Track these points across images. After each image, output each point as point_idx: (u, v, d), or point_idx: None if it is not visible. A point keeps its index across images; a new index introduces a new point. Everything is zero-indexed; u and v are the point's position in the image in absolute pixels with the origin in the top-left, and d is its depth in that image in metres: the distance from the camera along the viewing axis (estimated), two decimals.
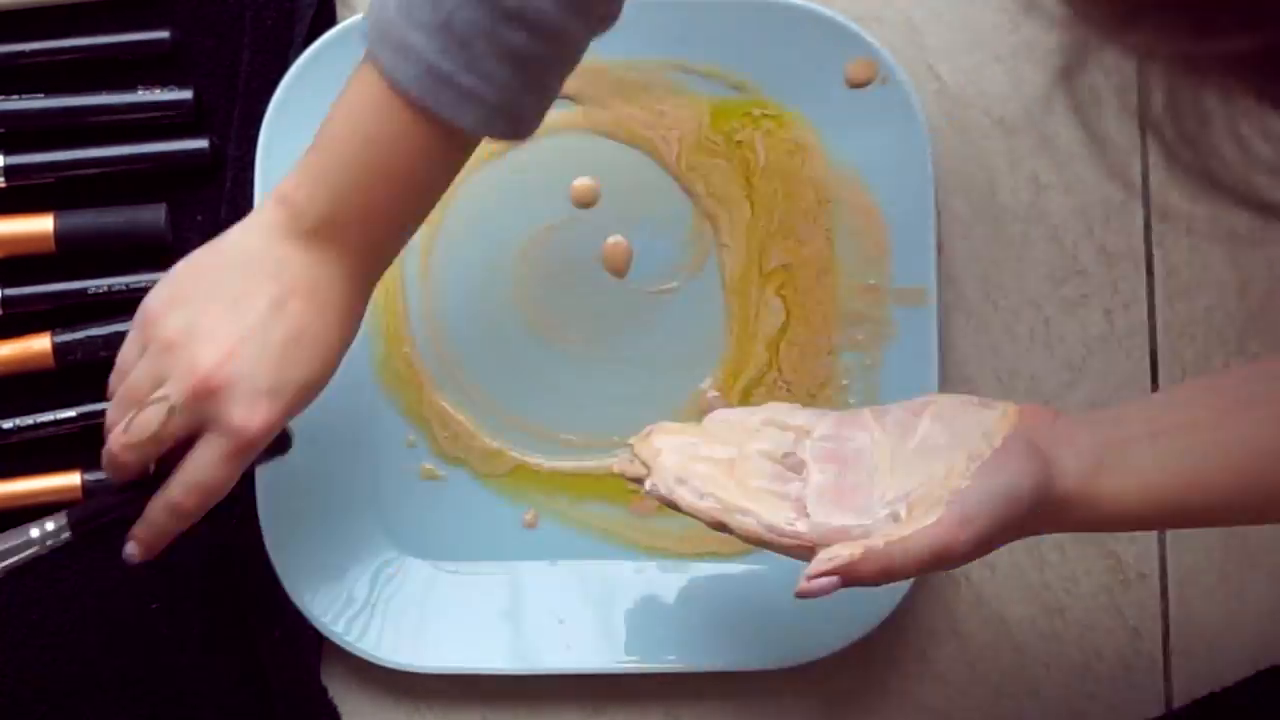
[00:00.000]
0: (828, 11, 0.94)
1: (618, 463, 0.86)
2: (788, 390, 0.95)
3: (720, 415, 0.85)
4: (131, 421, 0.82)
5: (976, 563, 0.94)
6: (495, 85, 0.76)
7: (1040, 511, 0.78)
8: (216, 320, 0.81)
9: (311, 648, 0.94)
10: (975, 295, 0.96)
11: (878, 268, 0.94)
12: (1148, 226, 0.97)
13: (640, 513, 0.94)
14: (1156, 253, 0.96)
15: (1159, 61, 0.53)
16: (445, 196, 0.94)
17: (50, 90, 0.95)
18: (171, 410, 0.81)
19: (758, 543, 0.81)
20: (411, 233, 0.83)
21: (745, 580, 0.94)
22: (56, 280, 0.94)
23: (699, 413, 0.88)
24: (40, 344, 0.94)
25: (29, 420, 0.94)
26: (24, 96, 0.94)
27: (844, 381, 0.95)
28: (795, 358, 0.95)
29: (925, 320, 0.94)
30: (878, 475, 0.80)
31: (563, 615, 0.94)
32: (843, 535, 0.79)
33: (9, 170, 0.94)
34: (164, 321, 0.82)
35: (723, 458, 0.82)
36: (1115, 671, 0.96)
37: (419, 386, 0.95)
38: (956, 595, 0.95)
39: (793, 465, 0.82)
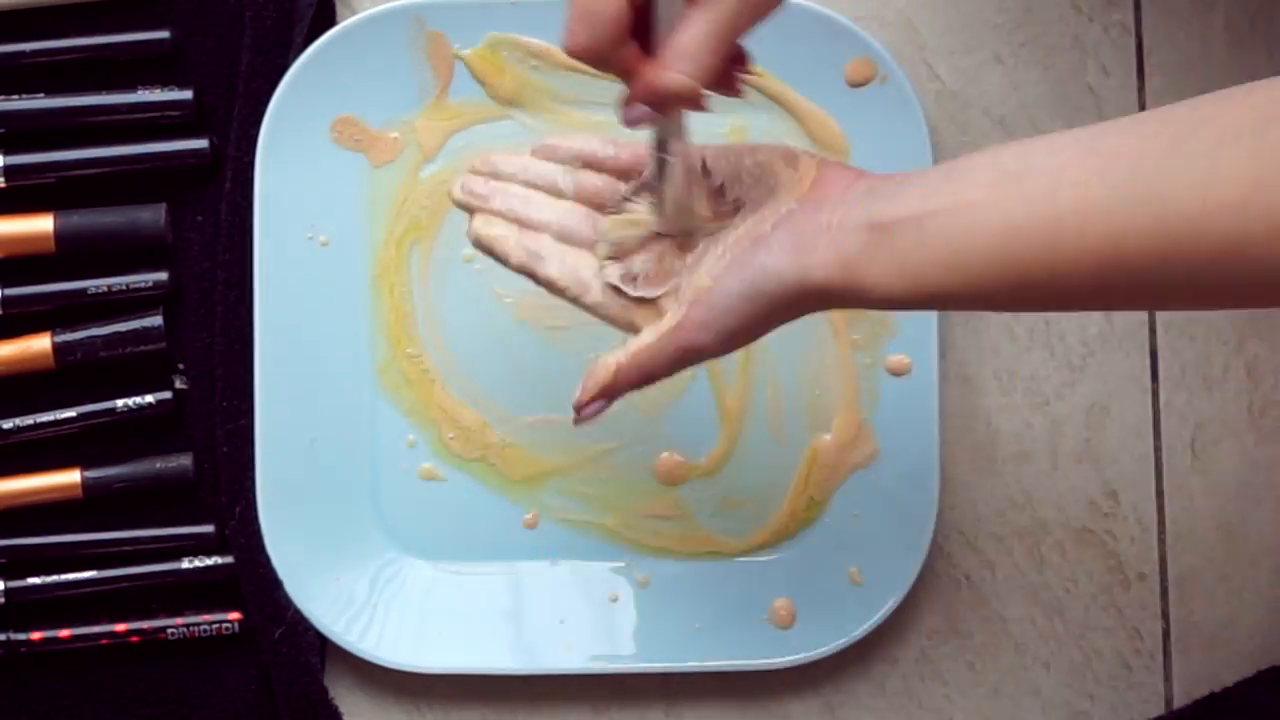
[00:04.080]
0: (827, 11, 0.94)
1: (456, 188, 0.84)
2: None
3: (549, 145, 0.85)
4: None
5: (976, 563, 0.95)
6: None
7: (800, 300, 0.76)
8: None
9: (312, 648, 0.94)
10: None
11: None
12: None
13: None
14: None
15: None
16: (445, 197, 0.95)
17: (50, 90, 0.95)
18: None
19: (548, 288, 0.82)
20: None
21: (745, 580, 0.95)
22: (56, 280, 0.94)
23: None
24: (40, 344, 0.94)
25: (29, 420, 0.94)
26: (24, 96, 0.94)
27: None
28: None
29: (926, 317, 0.94)
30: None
31: (563, 615, 0.94)
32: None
33: (9, 170, 0.94)
34: None
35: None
36: (1115, 671, 0.96)
37: (426, 386, 0.95)
38: (956, 595, 0.96)
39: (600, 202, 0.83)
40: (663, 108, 0.75)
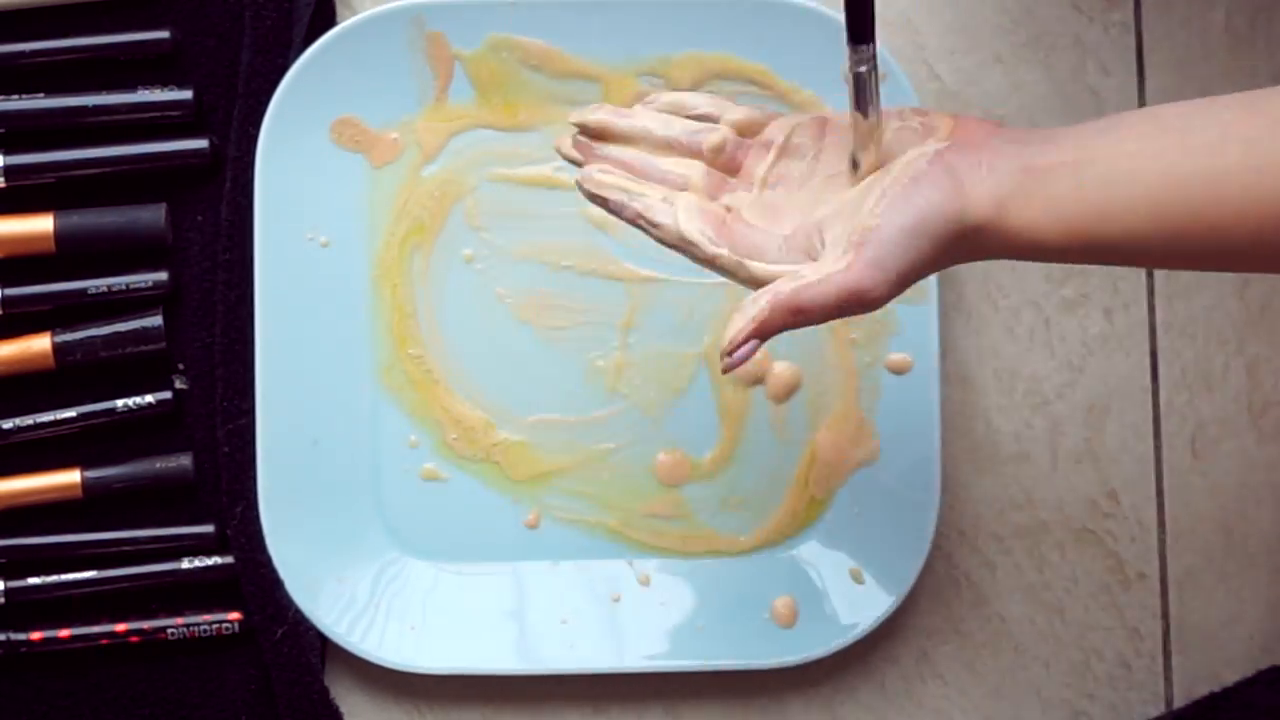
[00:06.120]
0: (827, 11, 0.94)
1: (558, 142, 0.83)
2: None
3: (661, 100, 0.84)
4: None
5: (976, 563, 0.95)
6: None
7: (957, 241, 0.75)
8: None
9: (314, 648, 0.94)
10: (975, 295, 0.96)
11: None
12: None
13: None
14: None
15: None
16: (446, 198, 0.95)
17: (50, 90, 0.94)
18: None
19: (673, 246, 0.79)
20: None
21: (746, 579, 0.95)
22: (56, 280, 0.94)
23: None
24: (40, 344, 0.94)
25: (29, 420, 0.94)
26: (24, 96, 0.94)
27: None
28: None
29: (925, 317, 0.94)
30: (800, 195, 0.79)
31: (564, 615, 0.94)
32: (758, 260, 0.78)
33: (9, 170, 0.94)
34: None
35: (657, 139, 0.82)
36: (1115, 671, 0.96)
37: (428, 387, 0.95)
38: (956, 595, 0.96)
39: (725, 163, 0.81)
40: None
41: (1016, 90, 0.96)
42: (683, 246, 0.79)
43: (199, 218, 0.96)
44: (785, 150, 0.81)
